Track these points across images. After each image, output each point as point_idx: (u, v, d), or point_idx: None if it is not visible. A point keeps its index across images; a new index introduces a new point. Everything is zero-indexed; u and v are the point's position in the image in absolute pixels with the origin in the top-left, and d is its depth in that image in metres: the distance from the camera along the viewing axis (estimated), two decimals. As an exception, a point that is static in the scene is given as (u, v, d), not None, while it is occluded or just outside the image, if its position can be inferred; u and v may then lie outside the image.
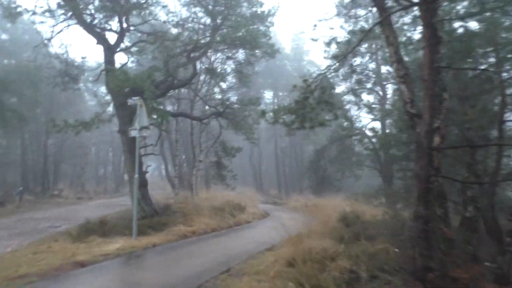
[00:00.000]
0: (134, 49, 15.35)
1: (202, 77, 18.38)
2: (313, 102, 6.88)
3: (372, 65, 23.76)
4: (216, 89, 20.66)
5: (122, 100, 14.19)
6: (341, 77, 20.02)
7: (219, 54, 16.00)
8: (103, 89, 42.65)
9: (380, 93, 24.32)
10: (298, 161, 42.47)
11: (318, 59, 46.32)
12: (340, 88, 22.35)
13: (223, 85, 16.20)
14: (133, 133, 9.22)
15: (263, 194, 36.10)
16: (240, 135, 16.48)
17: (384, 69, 22.96)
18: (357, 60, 19.75)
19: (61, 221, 14.09)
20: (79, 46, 46.80)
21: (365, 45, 19.35)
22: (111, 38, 15.37)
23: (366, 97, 26.91)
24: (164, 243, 9.24)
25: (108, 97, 17.67)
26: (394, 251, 6.54)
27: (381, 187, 22.82)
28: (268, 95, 45.95)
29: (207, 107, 18.68)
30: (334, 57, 6.48)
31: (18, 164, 31.12)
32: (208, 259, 7.59)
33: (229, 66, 16.48)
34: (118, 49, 15.11)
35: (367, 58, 21.97)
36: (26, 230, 11.70)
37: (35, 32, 32.20)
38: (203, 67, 17.22)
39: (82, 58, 20.14)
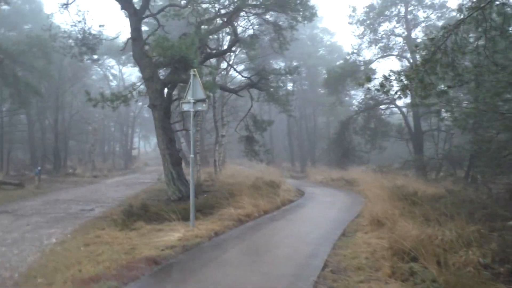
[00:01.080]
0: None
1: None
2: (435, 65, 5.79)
3: None
4: (245, 58, 19.24)
5: (152, 71, 12.99)
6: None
7: (253, 20, 14.66)
8: (109, 61, 41.49)
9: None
10: (310, 133, 41.49)
11: (332, 26, 44.57)
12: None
13: (254, 53, 14.82)
14: (186, 107, 8.10)
15: (277, 168, 35.21)
16: (274, 107, 15.33)
17: None
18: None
19: (91, 203, 13.16)
20: (97, 14, 44.99)
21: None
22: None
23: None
24: (224, 230, 8.28)
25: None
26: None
27: (412, 158, 21.94)
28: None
29: (239, 78, 17.32)
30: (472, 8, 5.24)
31: (25, 141, 30.07)
32: (290, 250, 6.65)
33: (264, 32, 15.06)
34: (144, 15, 13.78)
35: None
36: (60, 214, 10.76)
37: (34, 1, 30.53)
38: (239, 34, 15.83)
39: (100, 26, 18.81)
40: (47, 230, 8.71)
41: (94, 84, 40.85)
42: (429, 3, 22.01)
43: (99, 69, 40.64)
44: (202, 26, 12.09)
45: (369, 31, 23.11)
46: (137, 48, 13.29)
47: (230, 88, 14.87)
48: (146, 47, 13.10)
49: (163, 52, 9.86)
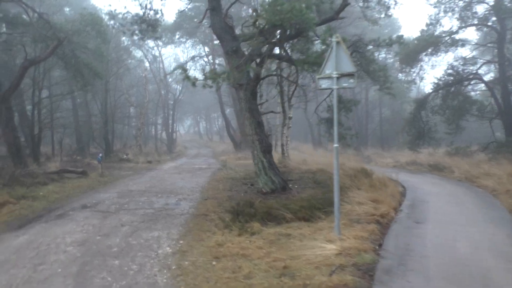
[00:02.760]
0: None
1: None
2: None
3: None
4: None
5: (237, 45, 11.34)
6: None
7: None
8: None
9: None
10: (362, 112, 39.31)
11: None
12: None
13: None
14: (325, 83, 6.40)
15: (329, 152, 33.21)
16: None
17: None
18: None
19: (170, 195, 11.83)
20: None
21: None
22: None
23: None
24: (372, 237, 6.63)
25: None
26: None
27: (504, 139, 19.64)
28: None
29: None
30: None
31: (71, 126, 29.31)
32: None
33: None
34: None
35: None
36: (148, 211, 9.42)
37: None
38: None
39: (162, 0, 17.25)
40: (149, 233, 7.32)
41: (135, 67, 39.92)
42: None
43: (135, 53, 39.40)
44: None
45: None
46: (217, 18, 11.64)
47: None
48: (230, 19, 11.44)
49: (279, 17, 8.13)
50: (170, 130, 44.83)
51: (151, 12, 15.14)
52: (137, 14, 15.16)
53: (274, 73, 12.23)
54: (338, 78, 6.25)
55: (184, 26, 32.89)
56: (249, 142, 11.44)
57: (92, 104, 30.17)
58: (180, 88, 46.93)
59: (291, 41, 10.50)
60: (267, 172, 11.03)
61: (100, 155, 17.92)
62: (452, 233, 6.90)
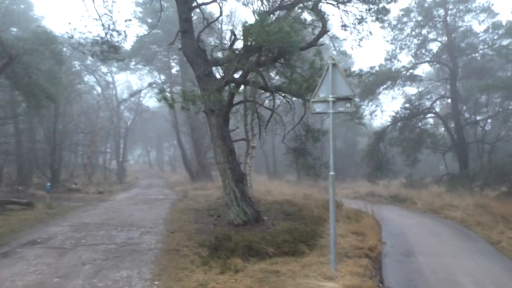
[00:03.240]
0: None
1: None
2: None
3: None
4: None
5: (209, 69, 10.89)
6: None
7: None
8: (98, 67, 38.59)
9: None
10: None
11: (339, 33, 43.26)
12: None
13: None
14: (320, 107, 6.04)
15: (286, 182, 33.09)
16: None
17: None
18: None
19: (130, 228, 10.83)
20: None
21: None
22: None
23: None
24: (368, 272, 6.16)
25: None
26: None
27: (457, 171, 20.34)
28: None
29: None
30: None
31: (12, 153, 27.00)
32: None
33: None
34: (194, 4, 11.70)
35: None
36: (110, 246, 8.43)
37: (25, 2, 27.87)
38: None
39: (127, 21, 16.63)
40: (116, 273, 6.41)
41: (85, 93, 38.24)
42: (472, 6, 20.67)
43: (87, 78, 37.69)
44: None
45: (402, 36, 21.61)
46: (189, 41, 11.16)
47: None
48: (201, 42, 11.00)
49: (266, 38, 7.75)
50: (120, 159, 42.78)
51: (114, 33, 14.41)
52: (98, 35, 14.35)
53: (249, 98, 11.83)
54: (334, 102, 5.92)
55: (142, 52, 32.07)
56: (220, 170, 10.80)
57: (37, 130, 28.10)
58: (133, 117, 45.39)
59: (272, 65, 10.19)
60: (239, 203, 10.41)
61: (49, 184, 16.40)
62: (447, 267, 6.62)
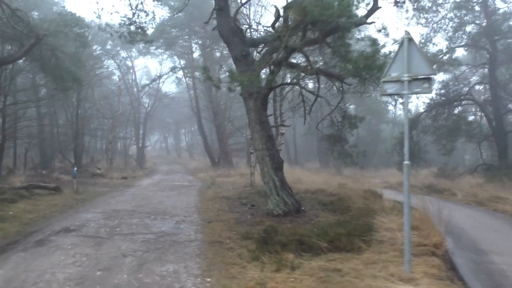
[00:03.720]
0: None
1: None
2: None
3: None
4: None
5: (244, 50, 10.22)
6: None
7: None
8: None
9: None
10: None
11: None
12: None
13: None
14: (392, 88, 5.36)
15: (309, 170, 32.34)
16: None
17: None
18: None
19: (163, 216, 10.37)
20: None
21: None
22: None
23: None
24: (444, 274, 5.51)
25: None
26: None
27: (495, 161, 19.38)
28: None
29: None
30: None
31: (34, 137, 26.94)
32: None
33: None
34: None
35: None
36: (148, 236, 7.95)
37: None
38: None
39: (155, 0, 16.00)
40: (161, 267, 5.90)
41: (107, 77, 38.05)
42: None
43: (107, 62, 37.24)
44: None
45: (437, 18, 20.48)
46: (225, 20, 10.50)
47: (334, 73, 11.78)
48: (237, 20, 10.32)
49: (322, 12, 7.05)
50: (140, 145, 42.65)
51: (142, 14, 13.82)
52: (125, 15, 13.78)
53: (291, 81, 11.11)
54: (409, 81, 5.22)
55: (164, 36, 31.42)
56: (258, 158, 10.20)
57: (60, 114, 27.94)
58: (152, 102, 45.03)
59: (323, 42, 9.42)
60: (279, 192, 9.81)
61: (75, 169, 16.08)
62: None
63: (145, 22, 14.07)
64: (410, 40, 5.26)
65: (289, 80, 12.50)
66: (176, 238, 7.85)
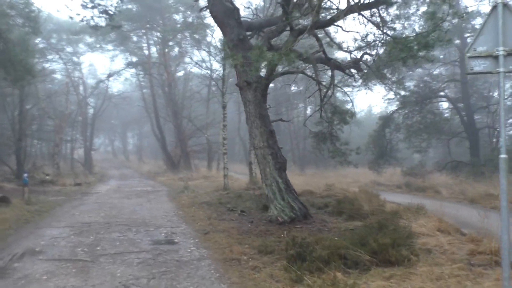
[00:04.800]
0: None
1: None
2: None
3: None
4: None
5: (241, 33, 8.92)
6: None
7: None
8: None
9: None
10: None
11: None
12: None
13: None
14: (480, 65, 4.33)
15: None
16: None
17: None
18: None
19: (149, 229, 8.79)
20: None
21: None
22: None
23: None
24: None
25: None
26: None
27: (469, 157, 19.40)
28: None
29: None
30: None
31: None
32: None
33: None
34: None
35: None
36: (143, 256, 6.40)
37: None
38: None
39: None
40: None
41: (51, 74, 34.67)
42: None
43: (52, 57, 33.95)
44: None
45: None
46: (218, 1, 9.11)
47: (335, 63, 10.67)
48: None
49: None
50: (89, 149, 39.48)
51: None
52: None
53: (296, 69, 9.88)
54: (505, 56, 4.21)
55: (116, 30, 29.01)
56: (258, 157, 8.90)
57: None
58: (101, 101, 41.95)
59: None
60: (284, 196, 8.59)
61: (26, 175, 13.79)
62: None
63: (111, 5, 12.31)
64: (506, 5, 4.26)
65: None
66: (178, 256, 6.37)
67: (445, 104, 21.71)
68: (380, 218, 7.71)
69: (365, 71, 11.86)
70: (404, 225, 7.34)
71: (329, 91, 11.32)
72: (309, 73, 10.44)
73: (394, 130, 20.27)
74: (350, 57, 11.01)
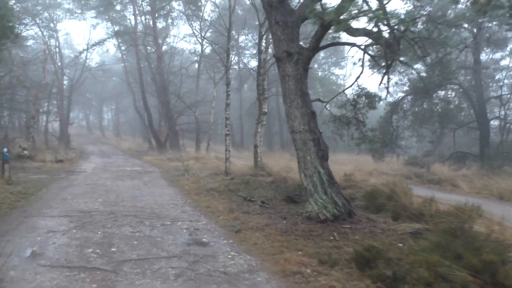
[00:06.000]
0: None
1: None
2: None
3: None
4: None
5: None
6: None
7: None
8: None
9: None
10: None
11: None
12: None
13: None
14: None
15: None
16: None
17: None
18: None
19: (165, 221, 7.38)
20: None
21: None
22: None
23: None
24: None
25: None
26: None
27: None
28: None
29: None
30: None
31: None
32: None
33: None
34: None
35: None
36: (177, 265, 5.05)
37: None
38: None
39: None
40: None
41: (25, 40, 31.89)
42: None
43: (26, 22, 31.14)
44: None
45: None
46: None
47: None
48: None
49: None
50: (65, 122, 36.99)
51: None
52: None
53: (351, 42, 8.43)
54: None
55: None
56: (297, 142, 7.56)
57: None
58: (80, 73, 39.31)
59: None
60: (326, 189, 7.32)
61: (5, 149, 11.95)
62: None
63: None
64: None
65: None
66: (221, 266, 5.04)
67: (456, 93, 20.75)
68: (441, 220, 6.57)
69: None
70: (479, 231, 6.21)
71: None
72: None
73: (401, 117, 19.26)
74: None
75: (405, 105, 19.37)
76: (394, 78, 19.18)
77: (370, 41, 8.65)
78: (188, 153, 26.41)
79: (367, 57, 10.07)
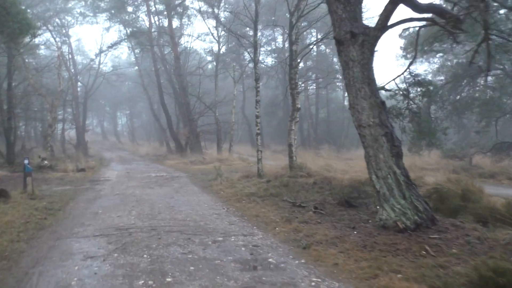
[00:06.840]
0: None
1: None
2: None
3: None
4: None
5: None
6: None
7: None
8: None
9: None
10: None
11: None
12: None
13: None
14: None
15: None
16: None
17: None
18: None
19: (218, 238, 6.35)
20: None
21: None
22: None
23: None
24: None
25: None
26: None
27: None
28: None
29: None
30: None
31: None
32: None
33: None
34: None
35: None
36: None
37: None
38: None
39: None
40: None
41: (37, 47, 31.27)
42: None
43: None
44: None
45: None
46: None
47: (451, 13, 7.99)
48: None
49: None
50: (82, 129, 36.41)
51: None
52: None
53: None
54: None
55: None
56: (366, 138, 6.43)
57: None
58: (94, 79, 38.69)
59: None
60: (404, 193, 6.19)
61: (27, 161, 11.08)
62: None
63: None
64: None
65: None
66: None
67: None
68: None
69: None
70: None
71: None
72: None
73: (440, 107, 17.95)
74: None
75: (443, 95, 18.04)
76: (433, 66, 17.86)
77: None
78: (211, 155, 25.44)
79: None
